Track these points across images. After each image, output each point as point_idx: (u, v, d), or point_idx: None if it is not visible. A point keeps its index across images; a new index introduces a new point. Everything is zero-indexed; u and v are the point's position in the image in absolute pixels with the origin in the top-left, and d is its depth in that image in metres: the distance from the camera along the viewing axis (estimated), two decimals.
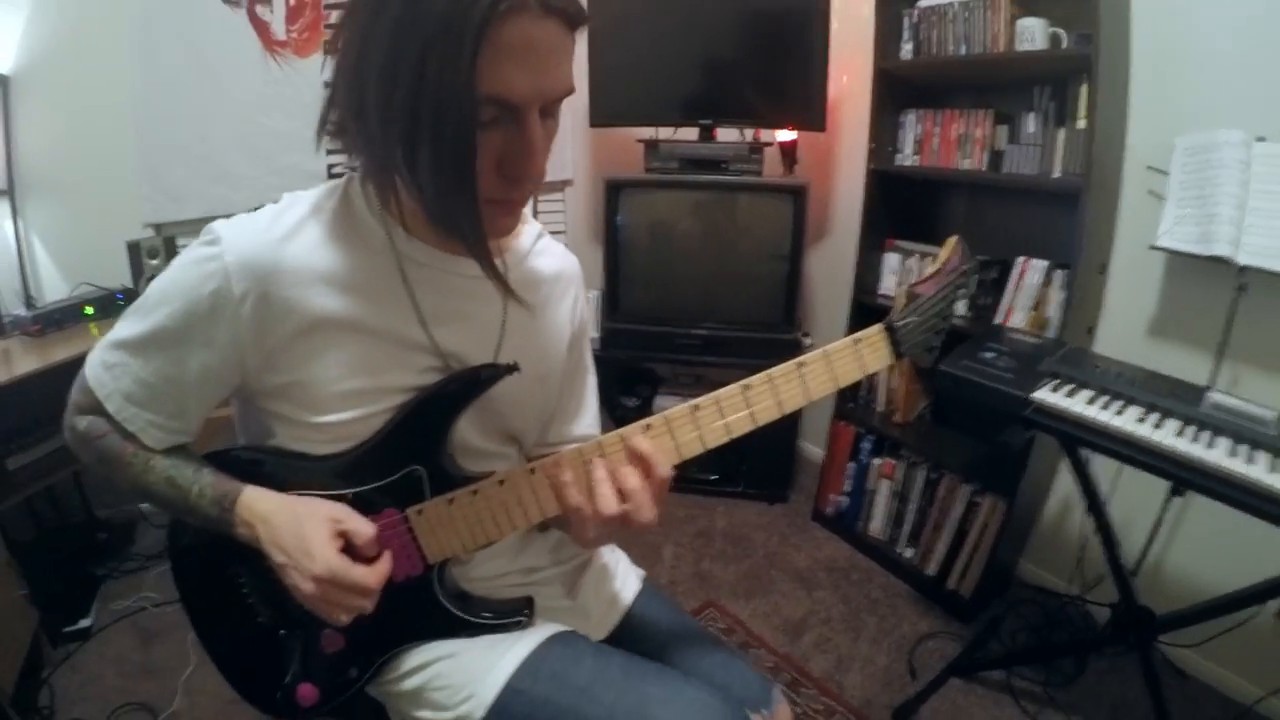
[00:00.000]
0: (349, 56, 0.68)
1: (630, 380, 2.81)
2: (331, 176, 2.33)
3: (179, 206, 2.19)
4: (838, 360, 0.80)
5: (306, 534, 0.76)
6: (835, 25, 2.29)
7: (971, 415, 2.20)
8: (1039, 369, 1.46)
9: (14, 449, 1.83)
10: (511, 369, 0.83)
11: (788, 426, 2.65)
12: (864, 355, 0.81)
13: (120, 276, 2.05)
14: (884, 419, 2.36)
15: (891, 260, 2.30)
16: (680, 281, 2.56)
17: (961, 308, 2.09)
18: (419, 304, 0.82)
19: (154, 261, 2.05)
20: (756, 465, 2.63)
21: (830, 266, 2.63)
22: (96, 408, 0.81)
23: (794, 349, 2.48)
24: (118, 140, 2.08)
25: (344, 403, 0.80)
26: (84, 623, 1.93)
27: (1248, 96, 1.56)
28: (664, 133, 2.51)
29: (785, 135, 2.44)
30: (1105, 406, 1.33)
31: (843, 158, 2.56)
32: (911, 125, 2.16)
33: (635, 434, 0.79)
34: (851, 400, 2.45)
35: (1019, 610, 2.03)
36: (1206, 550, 1.78)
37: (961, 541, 2.05)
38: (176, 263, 0.78)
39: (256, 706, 0.96)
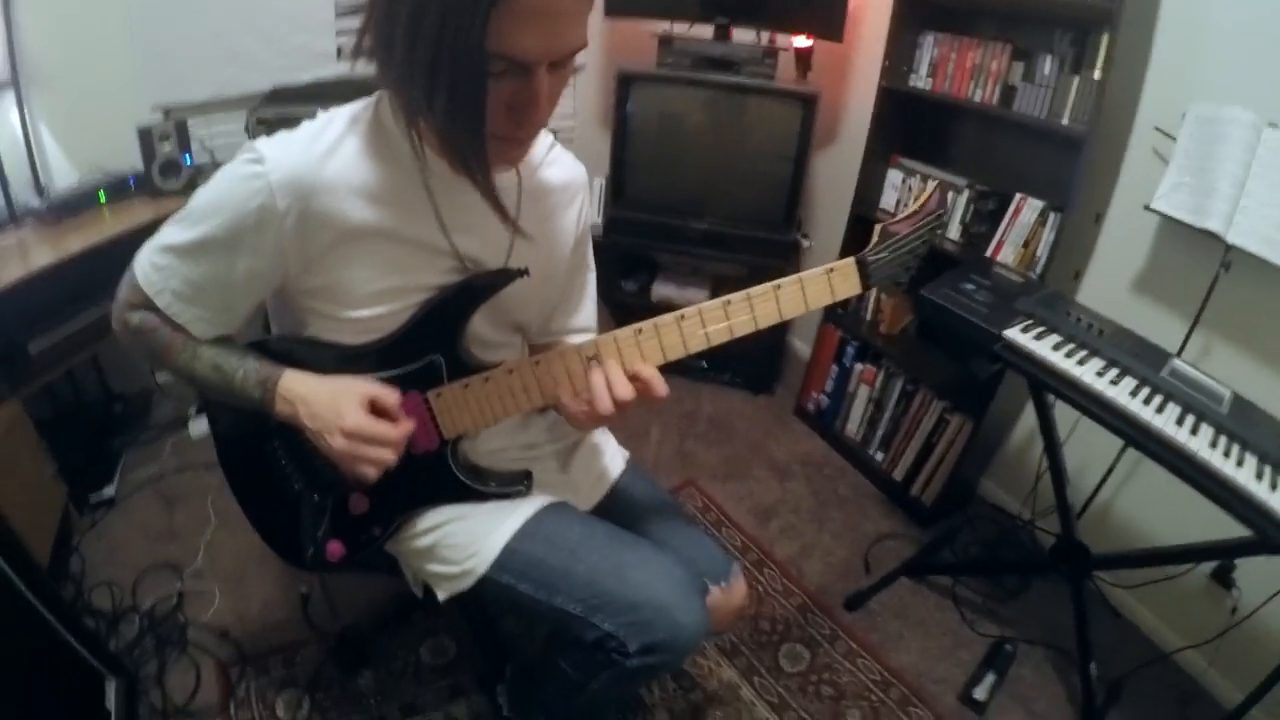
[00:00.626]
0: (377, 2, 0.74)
1: (630, 265, 2.90)
2: (340, 57, 2.30)
3: (188, 88, 2.16)
4: (810, 286, 0.92)
5: (339, 402, 0.89)
6: None
7: (950, 338, 2.31)
8: (1015, 306, 1.54)
9: (35, 333, 1.89)
10: (522, 273, 0.95)
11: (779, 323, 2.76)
12: (835, 283, 0.93)
13: (131, 160, 2.06)
14: (870, 328, 2.46)
15: (894, 177, 2.32)
16: (685, 175, 2.59)
17: (954, 232, 2.16)
18: (441, 214, 0.91)
19: (166, 146, 2.05)
20: (746, 356, 2.75)
21: (834, 173, 2.64)
22: (147, 303, 0.91)
23: (792, 250, 2.57)
24: (122, 23, 2.02)
25: (375, 300, 0.91)
26: (108, 492, 2.06)
27: (1268, 79, 1.55)
28: (679, 28, 2.46)
29: (801, 41, 2.39)
30: (1069, 355, 1.42)
31: (857, 69, 2.52)
32: (929, 47, 2.13)
33: (629, 341, 0.91)
34: (842, 307, 2.54)
35: (974, 525, 2.21)
36: (1154, 501, 1.90)
37: (929, 453, 2.21)
38: (222, 176, 0.86)
39: (288, 561, 1.15)
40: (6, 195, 1.91)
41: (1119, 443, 1.73)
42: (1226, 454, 1.25)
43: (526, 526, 1.06)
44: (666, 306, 2.70)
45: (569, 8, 0.73)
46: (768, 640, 1.85)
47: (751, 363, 2.77)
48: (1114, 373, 1.40)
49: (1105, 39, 1.72)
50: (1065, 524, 1.69)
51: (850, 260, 0.92)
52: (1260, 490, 1.19)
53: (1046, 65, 1.89)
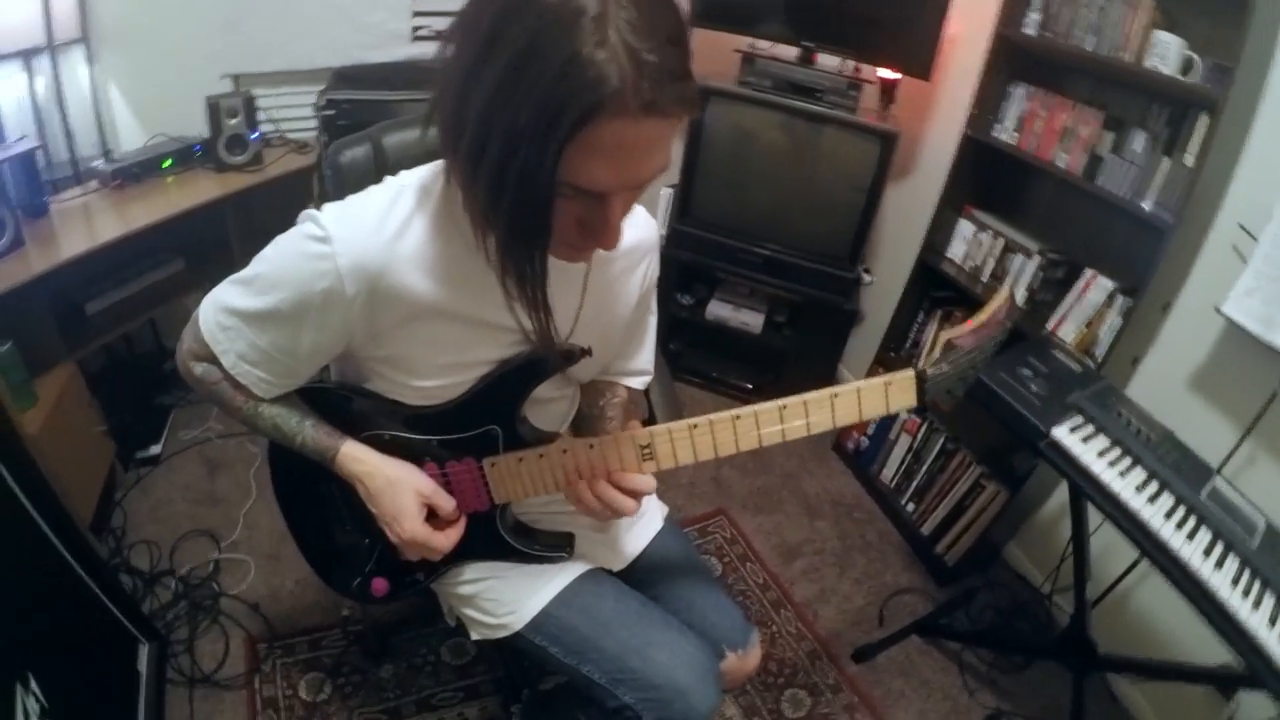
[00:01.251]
0: (453, 82, 0.69)
1: (688, 279, 2.89)
2: (417, 38, 2.28)
3: (259, 58, 2.17)
4: (866, 397, 0.93)
5: (400, 503, 0.93)
6: None
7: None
8: (1067, 400, 1.52)
9: (92, 294, 1.93)
10: (585, 352, 0.94)
11: (830, 352, 2.75)
12: (891, 395, 0.93)
13: (198, 128, 2.08)
14: None
15: (965, 228, 2.27)
16: (753, 197, 2.56)
17: (1020, 298, 2.11)
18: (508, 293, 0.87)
19: (233, 121, 2.06)
20: (793, 384, 2.68)
21: (904, 211, 2.58)
22: (211, 358, 0.92)
23: (853, 286, 2.53)
24: None
25: (439, 373, 0.92)
26: (154, 449, 2.14)
27: None
28: (762, 45, 2.40)
29: (888, 74, 2.32)
30: (1113, 463, 1.40)
31: (940, 109, 2.44)
32: (1019, 100, 2.05)
33: (683, 435, 0.94)
34: (895, 350, 2.52)
35: (993, 589, 2.22)
36: (1170, 604, 1.81)
37: (960, 514, 2.21)
38: (287, 248, 0.84)
39: (332, 587, 1.20)
40: (73, 154, 1.94)
41: None
42: (1247, 592, 1.23)
43: (564, 594, 1.11)
44: (719, 327, 2.82)
45: (653, 138, 0.67)
46: (773, 682, 1.90)
47: (799, 390, 2.67)
48: (1153, 487, 1.38)
49: (1204, 124, 1.64)
50: (1078, 617, 1.69)
51: (909, 374, 0.92)
52: (1270, 637, 1.18)
53: (1139, 141, 1.82)
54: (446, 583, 1.15)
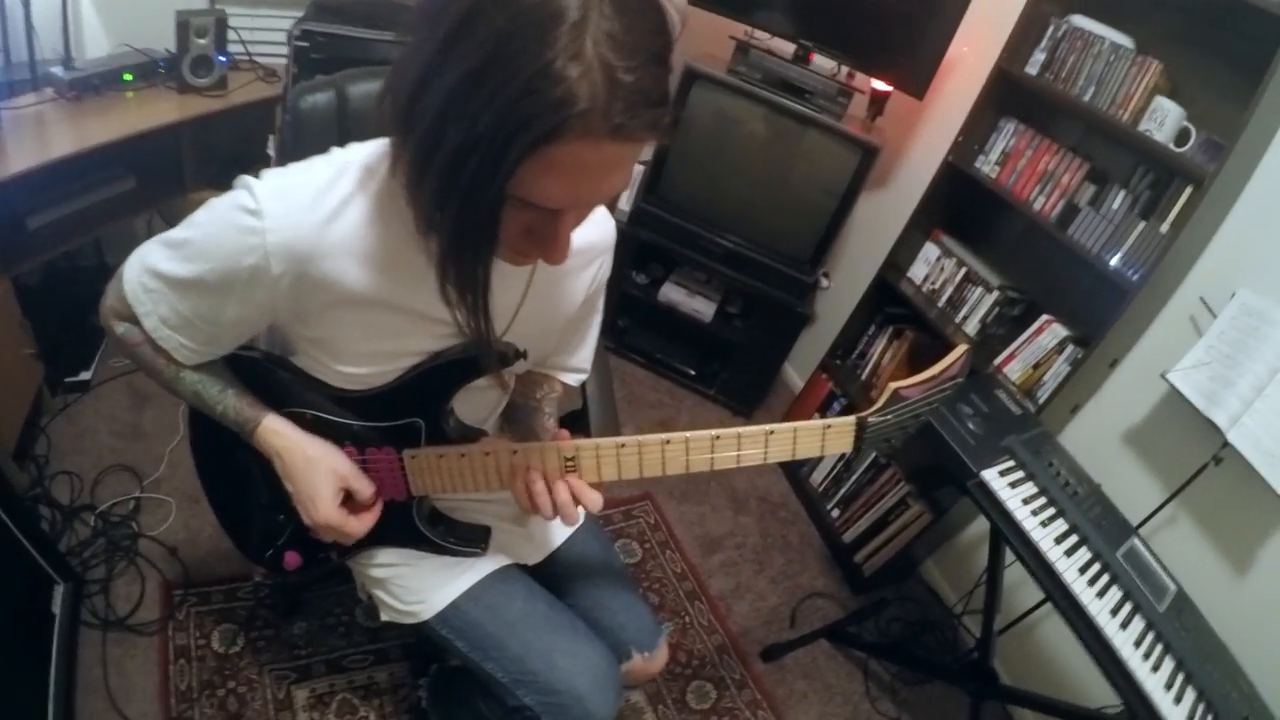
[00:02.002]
0: (411, 69, 0.63)
1: (645, 258, 2.86)
2: None
3: None
4: (802, 437, 0.93)
5: (316, 483, 0.92)
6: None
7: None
8: (1002, 443, 1.57)
9: (36, 207, 1.83)
10: (520, 355, 0.92)
11: (777, 351, 2.77)
12: (828, 439, 0.95)
13: (165, 41, 1.96)
14: (862, 389, 2.49)
15: (929, 251, 2.30)
16: (724, 187, 2.54)
17: (972, 328, 2.15)
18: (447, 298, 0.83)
19: (201, 41, 1.95)
20: (735, 375, 2.77)
21: (873, 223, 2.60)
22: (133, 319, 0.88)
23: (809, 291, 2.54)
24: None
25: (365, 360, 0.90)
26: (84, 375, 2.06)
27: None
28: (759, 36, 2.35)
29: (881, 85, 2.29)
30: (1037, 511, 1.47)
31: (926, 129, 2.45)
32: (1007, 134, 2.06)
33: (609, 454, 0.92)
34: (842, 357, 2.56)
35: (904, 604, 2.30)
36: (1075, 647, 1.86)
37: (882, 527, 2.28)
38: (217, 216, 0.79)
39: (244, 554, 1.19)
40: (32, 57, 1.83)
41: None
42: (1148, 655, 1.31)
43: (474, 590, 1.12)
44: (670, 310, 2.81)
45: (615, 161, 0.64)
46: (681, 673, 1.96)
47: (739, 382, 2.77)
48: (1072, 540, 1.44)
49: (1186, 194, 1.66)
50: (983, 646, 1.76)
51: (851, 420, 0.93)
52: (1164, 701, 1.26)
53: (1117, 199, 1.83)
54: (359, 563, 1.15)
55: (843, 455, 2.45)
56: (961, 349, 0.97)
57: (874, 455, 2.36)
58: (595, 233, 1.00)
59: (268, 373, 0.96)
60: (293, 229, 0.76)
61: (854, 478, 2.44)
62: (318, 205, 0.78)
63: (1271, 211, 1.64)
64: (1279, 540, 1.59)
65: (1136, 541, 1.49)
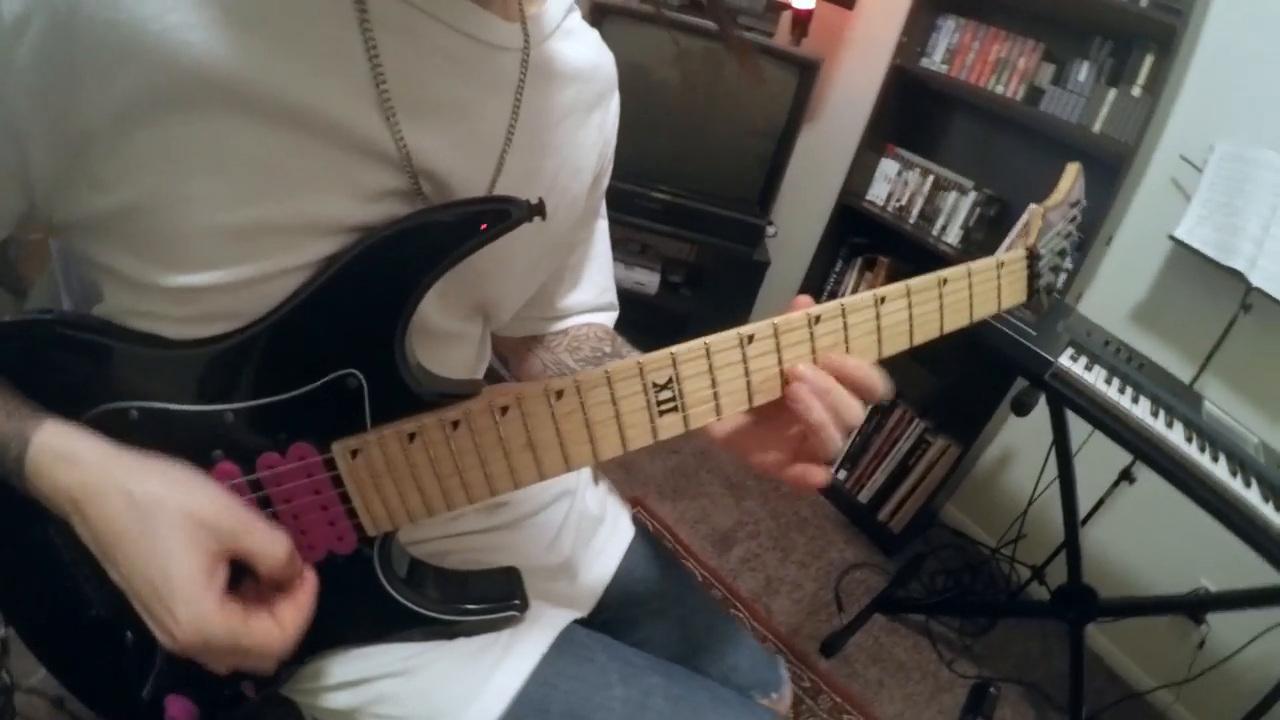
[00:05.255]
0: None
1: None
2: None
3: None
4: (979, 284, 0.59)
5: (159, 556, 0.45)
6: None
7: (954, 356, 2.11)
8: (1058, 331, 1.40)
9: None
10: (537, 210, 0.49)
11: (738, 311, 2.44)
12: (1004, 281, 0.62)
13: None
14: None
15: (888, 167, 2.15)
16: (651, 135, 2.23)
17: (954, 236, 2.00)
18: (383, 73, 0.47)
19: None
20: (699, 331, 2.40)
21: (814, 156, 2.41)
22: None
23: (761, 235, 2.29)
24: None
25: (223, 249, 0.45)
26: None
27: None
28: None
29: (804, 2, 2.11)
30: (1121, 390, 1.30)
31: (858, 43, 2.31)
32: (948, 32, 1.97)
33: (730, 346, 0.56)
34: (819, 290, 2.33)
35: (938, 553, 2.11)
36: (1122, 544, 1.90)
37: (903, 476, 2.07)
38: None
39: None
40: None
41: (1108, 480, 1.73)
42: (1268, 499, 1.17)
43: (530, 688, 0.63)
44: None
45: None
46: None
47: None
48: (1164, 414, 1.29)
49: (1151, 56, 1.64)
50: (1073, 565, 1.59)
51: (1020, 254, 0.62)
52: None
53: (1083, 71, 1.78)
54: (306, 690, 0.64)
55: None
56: (1075, 166, 0.72)
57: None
58: (592, 53, 0.65)
59: (50, 343, 0.50)
60: None
61: (856, 430, 2.20)
62: None
63: (1230, 59, 1.65)
64: None
65: (1208, 404, 1.39)
